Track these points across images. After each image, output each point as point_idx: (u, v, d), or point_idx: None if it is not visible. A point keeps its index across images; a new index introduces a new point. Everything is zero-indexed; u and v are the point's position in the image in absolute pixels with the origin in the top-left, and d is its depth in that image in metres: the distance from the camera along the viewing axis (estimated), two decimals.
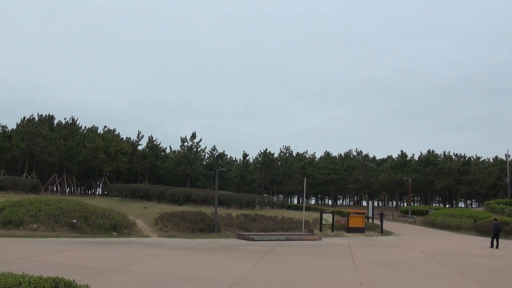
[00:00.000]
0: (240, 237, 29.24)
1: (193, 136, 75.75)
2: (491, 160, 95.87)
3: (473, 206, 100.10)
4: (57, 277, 7.22)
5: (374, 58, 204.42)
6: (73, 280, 7.25)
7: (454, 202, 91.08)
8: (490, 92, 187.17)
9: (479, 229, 40.04)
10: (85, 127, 79.06)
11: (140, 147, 77.25)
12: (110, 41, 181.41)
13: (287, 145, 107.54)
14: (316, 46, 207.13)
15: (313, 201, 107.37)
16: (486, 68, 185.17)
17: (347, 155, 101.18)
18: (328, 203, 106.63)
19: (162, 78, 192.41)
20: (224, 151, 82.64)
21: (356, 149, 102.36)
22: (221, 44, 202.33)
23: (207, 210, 36.86)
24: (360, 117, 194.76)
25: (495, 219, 32.22)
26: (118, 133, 78.19)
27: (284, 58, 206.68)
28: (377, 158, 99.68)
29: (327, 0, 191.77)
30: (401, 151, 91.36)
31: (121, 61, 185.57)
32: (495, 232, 28.89)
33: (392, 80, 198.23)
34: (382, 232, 37.29)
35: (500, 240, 30.20)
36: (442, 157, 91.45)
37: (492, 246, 28.66)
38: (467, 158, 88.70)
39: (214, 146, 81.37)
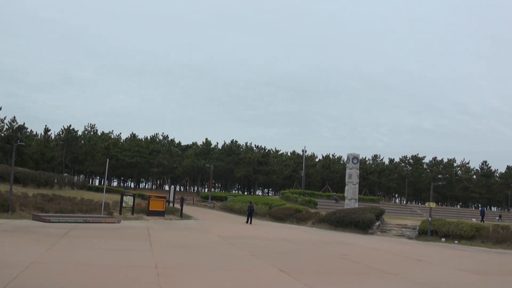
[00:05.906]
0: (36, 218, 27.71)
1: None
2: (289, 154, 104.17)
3: (270, 194, 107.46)
4: None
5: (196, 45, 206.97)
6: None
7: (253, 190, 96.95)
8: (298, 92, 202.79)
9: (273, 215, 43.64)
10: None
11: None
12: None
13: (93, 123, 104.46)
14: (140, 23, 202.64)
15: (115, 183, 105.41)
16: (296, 70, 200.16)
17: (153, 138, 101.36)
18: (130, 185, 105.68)
19: None
20: (24, 123, 76.95)
21: (163, 133, 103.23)
22: (38, 5, 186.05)
23: (2, 188, 34.22)
24: (174, 102, 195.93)
25: (250, 202, 43.20)
26: None
27: (104, 31, 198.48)
28: (183, 144, 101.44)
29: None
30: (206, 138, 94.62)
31: None
32: (249, 212, 37.89)
33: (211, 69, 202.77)
34: (181, 216, 38.32)
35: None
36: (244, 147, 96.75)
37: (247, 222, 37.10)
38: (267, 150, 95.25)
39: (14, 117, 75.40)
